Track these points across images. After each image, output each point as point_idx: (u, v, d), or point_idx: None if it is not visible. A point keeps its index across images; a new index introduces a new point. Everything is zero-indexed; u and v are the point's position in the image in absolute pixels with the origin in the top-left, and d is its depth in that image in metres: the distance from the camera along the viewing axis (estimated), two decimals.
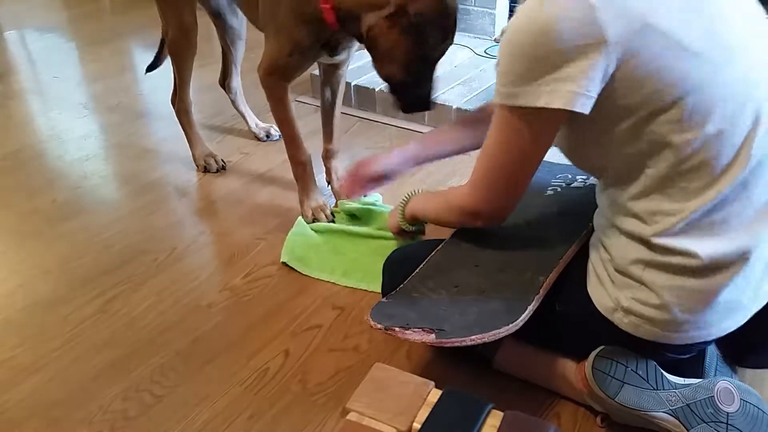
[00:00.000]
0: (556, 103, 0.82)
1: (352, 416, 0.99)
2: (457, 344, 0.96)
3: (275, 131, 2.06)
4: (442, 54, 1.32)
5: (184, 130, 1.88)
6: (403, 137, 2.06)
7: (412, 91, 1.34)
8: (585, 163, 0.98)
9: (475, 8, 2.60)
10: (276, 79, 1.46)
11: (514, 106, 0.86)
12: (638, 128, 0.84)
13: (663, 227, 0.88)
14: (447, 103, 2.05)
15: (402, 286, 1.12)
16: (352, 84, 2.24)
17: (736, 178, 0.84)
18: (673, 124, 0.82)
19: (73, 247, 1.57)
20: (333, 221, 1.61)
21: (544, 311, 1.04)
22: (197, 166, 1.89)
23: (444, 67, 2.35)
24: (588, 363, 1.01)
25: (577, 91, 0.81)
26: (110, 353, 1.24)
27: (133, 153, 1.96)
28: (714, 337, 0.94)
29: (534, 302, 1.01)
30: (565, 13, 0.79)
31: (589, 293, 0.99)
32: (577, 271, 1.03)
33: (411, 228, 1.32)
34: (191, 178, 1.84)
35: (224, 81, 2.01)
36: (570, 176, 1.38)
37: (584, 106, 0.82)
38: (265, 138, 2.07)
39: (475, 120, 1.31)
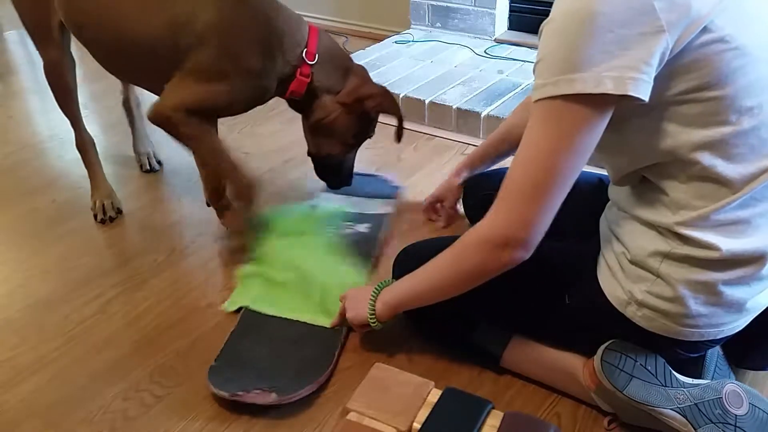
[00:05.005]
0: (622, 89, 0.78)
1: (352, 416, 0.99)
2: (295, 398, 1.07)
3: (149, 163, 1.90)
4: (370, 138, 1.51)
5: (86, 169, 1.72)
6: (402, 137, 2.06)
7: (341, 170, 1.51)
8: (617, 157, 0.95)
9: (475, 8, 2.60)
10: (198, 119, 1.30)
11: (568, 94, 0.79)
12: (679, 118, 0.83)
13: (689, 217, 0.87)
14: (447, 103, 2.05)
15: (223, 347, 1.20)
16: None
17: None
18: (712, 116, 0.82)
19: (73, 247, 1.57)
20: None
21: (554, 305, 1.04)
22: (93, 212, 1.67)
23: (444, 67, 2.36)
24: (597, 356, 1.01)
25: (639, 77, 0.78)
26: (110, 353, 1.24)
27: (132, 153, 1.96)
28: (725, 336, 0.94)
29: (340, 347, 1.20)
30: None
31: (601, 285, 0.99)
32: (588, 263, 1.03)
33: (380, 326, 1.13)
34: (191, 177, 1.83)
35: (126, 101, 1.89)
36: (342, 223, 1.57)
37: (646, 93, 0.79)
38: (139, 167, 1.91)
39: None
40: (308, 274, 1.34)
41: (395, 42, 2.64)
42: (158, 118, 1.30)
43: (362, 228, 1.56)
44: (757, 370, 1.12)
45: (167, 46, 1.28)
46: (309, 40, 1.33)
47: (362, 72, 1.42)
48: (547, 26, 0.83)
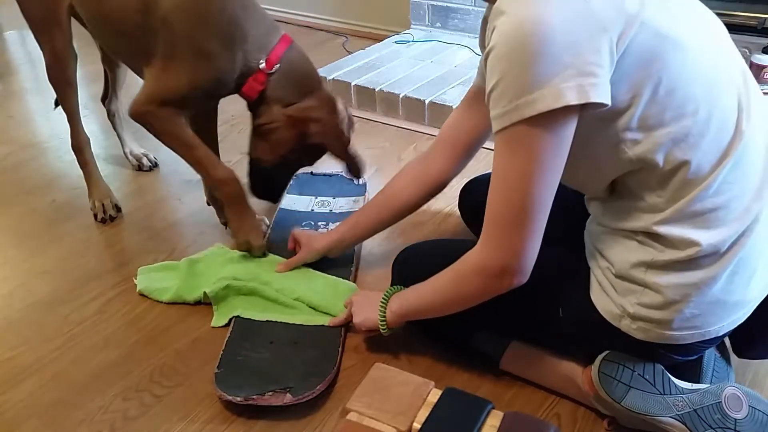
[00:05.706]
0: (584, 97, 0.77)
1: (352, 416, 0.99)
2: (309, 398, 1.08)
3: (147, 160, 1.92)
4: (310, 165, 1.46)
5: (81, 169, 1.71)
6: (402, 137, 2.06)
7: (267, 180, 1.43)
8: (590, 173, 0.94)
9: (475, 8, 2.60)
10: (171, 110, 1.31)
11: (530, 116, 0.78)
12: (641, 121, 0.83)
13: (665, 215, 0.87)
14: (447, 103, 2.05)
15: (222, 354, 1.18)
16: (352, 84, 2.24)
17: (733, 159, 0.85)
18: (670, 112, 0.82)
19: (73, 247, 1.57)
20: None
21: (548, 317, 1.04)
22: (93, 212, 1.68)
23: (444, 67, 2.35)
24: (594, 366, 1.01)
25: (596, 81, 0.77)
26: (110, 353, 1.24)
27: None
28: (723, 333, 0.93)
29: (341, 345, 1.20)
30: (560, 7, 0.76)
31: (593, 301, 0.99)
32: (578, 277, 1.02)
33: (389, 332, 1.15)
34: (191, 177, 1.83)
35: (104, 101, 1.91)
36: (313, 224, 1.58)
37: (607, 96, 0.79)
38: (137, 168, 1.92)
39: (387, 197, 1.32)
40: (290, 281, 1.34)
41: (395, 42, 2.64)
42: (134, 115, 1.32)
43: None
44: (757, 359, 1.13)
45: (140, 28, 1.29)
46: (274, 49, 1.29)
47: (327, 99, 1.34)
48: (490, 54, 0.80)
